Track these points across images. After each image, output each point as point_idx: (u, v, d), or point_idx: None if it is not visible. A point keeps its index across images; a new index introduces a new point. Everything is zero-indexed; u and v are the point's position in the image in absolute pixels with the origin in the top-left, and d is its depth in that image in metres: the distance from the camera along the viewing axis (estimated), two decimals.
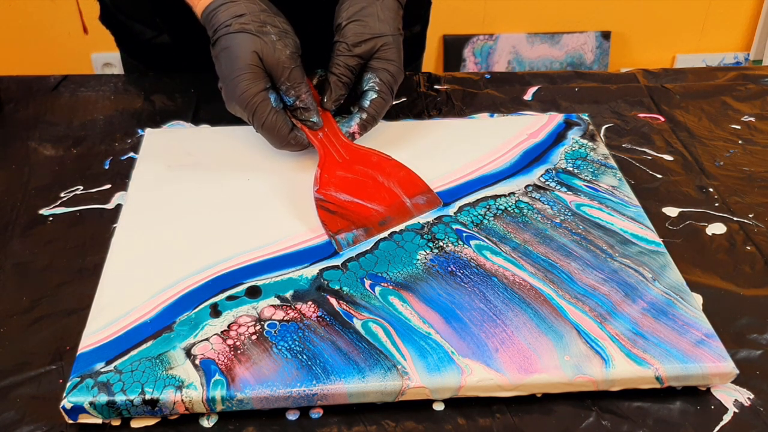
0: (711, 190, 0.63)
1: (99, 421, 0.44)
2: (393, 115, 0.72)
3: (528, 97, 0.75)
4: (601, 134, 0.70)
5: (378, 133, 0.65)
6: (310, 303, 0.49)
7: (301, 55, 0.58)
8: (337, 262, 0.52)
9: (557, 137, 0.65)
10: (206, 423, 0.45)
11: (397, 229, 0.55)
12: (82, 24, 0.82)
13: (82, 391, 0.43)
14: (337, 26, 0.60)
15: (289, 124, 0.58)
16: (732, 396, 0.46)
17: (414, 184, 0.58)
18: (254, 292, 0.50)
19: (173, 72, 0.77)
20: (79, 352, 0.46)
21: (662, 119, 0.72)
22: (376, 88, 0.59)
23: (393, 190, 0.57)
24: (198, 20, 0.59)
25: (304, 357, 0.45)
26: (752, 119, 0.72)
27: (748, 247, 0.57)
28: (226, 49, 0.56)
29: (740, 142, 0.69)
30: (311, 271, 0.51)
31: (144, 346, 0.46)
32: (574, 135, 0.66)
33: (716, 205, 0.61)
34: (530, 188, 0.59)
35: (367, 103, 0.60)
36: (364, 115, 0.60)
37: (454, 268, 0.52)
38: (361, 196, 0.57)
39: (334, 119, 0.61)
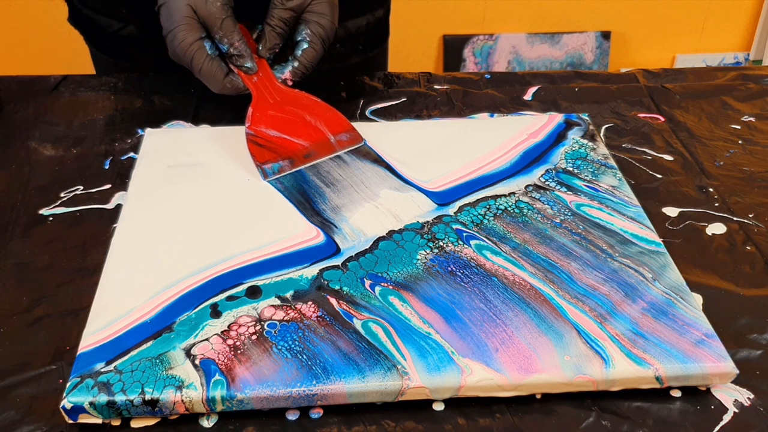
0: (711, 190, 0.63)
1: (99, 421, 0.44)
2: (393, 115, 0.72)
3: (528, 97, 0.75)
4: (601, 134, 0.70)
5: (378, 132, 0.65)
6: (310, 303, 0.49)
7: (233, 7, 0.62)
8: (337, 262, 0.52)
9: (557, 137, 0.65)
10: (206, 423, 0.45)
11: (396, 228, 0.55)
12: None
13: (82, 391, 0.43)
14: None
15: (225, 69, 0.62)
16: (732, 396, 0.46)
17: (339, 123, 0.63)
18: (254, 292, 0.50)
19: (140, 63, 0.79)
20: (79, 352, 0.46)
21: (662, 119, 0.72)
22: (308, 39, 0.64)
23: (319, 128, 0.63)
24: None
25: (304, 357, 0.45)
26: (752, 119, 0.72)
27: (748, 247, 0.57)
28: (164, 5, 0.61)
29: (740, 142, 0.69)
30: (311, 271, 0.51)
31: (144, 347, 0.46)
32: (574, 135, 0.66)
33: (716, 205, 0.61)
34: (530, 188, 0.59)
35: (299, 53, 0.64)
36: (296, 64, 0.65)
37: (454, 268, 0.52)
38: (289, 132, 0.62)
39: (270, 67, 0.65)
